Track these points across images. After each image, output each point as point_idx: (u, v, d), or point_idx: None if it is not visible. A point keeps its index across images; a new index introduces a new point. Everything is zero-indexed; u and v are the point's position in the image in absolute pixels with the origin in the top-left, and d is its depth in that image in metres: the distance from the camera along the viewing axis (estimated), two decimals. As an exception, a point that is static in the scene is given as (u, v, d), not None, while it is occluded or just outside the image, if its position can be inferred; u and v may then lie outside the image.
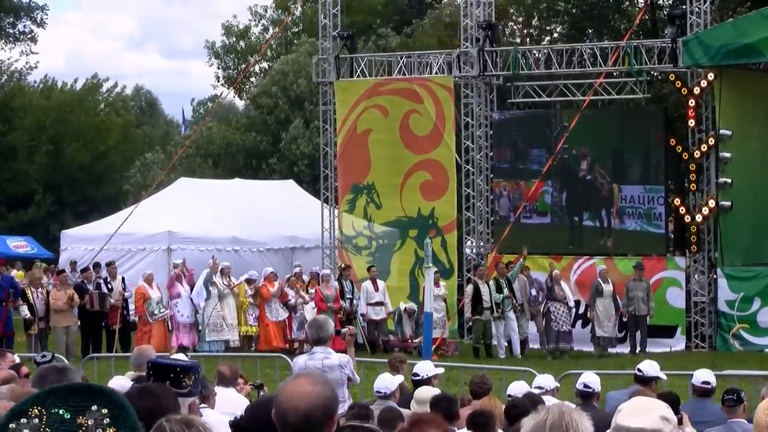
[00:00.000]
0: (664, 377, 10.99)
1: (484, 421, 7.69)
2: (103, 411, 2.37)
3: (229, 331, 22.86)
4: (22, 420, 2.36)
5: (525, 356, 22.55)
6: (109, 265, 23.90)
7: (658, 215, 24.32)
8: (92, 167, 53.70)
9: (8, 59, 55.33)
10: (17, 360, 9.21)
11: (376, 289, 23.91)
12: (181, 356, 10.50)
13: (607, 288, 23.07)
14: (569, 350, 22.82)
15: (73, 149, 52.81)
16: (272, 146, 43.25)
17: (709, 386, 10.08)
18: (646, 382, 10.32)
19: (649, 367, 10.53)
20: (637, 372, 10.60)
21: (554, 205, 25.50)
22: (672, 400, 8.32)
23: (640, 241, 24.65)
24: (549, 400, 8.68)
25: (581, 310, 23.84)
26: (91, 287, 22.95)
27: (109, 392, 2.41)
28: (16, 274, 29.28)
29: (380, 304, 23.89)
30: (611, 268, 23.91)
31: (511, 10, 38.58)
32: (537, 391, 9.98)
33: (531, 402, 8.01)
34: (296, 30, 50.16)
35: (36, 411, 2.37)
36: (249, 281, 23.35)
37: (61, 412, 2.36)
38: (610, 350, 22.93)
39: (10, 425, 2.35)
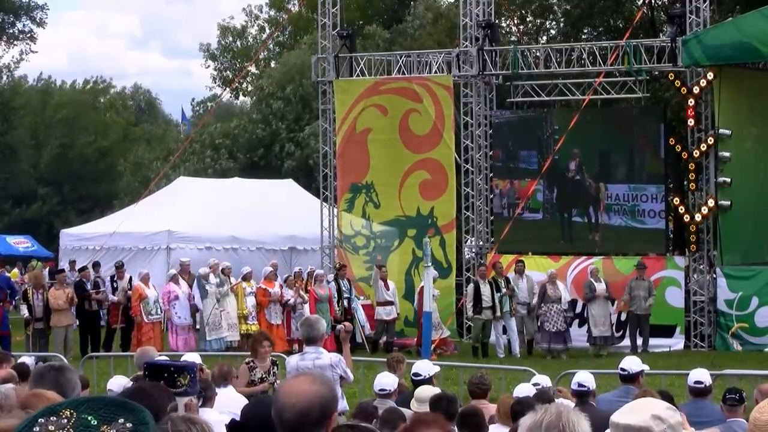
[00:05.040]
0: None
1: (477, 422, 7.63)
2: (127, 425, 2.49)
3: (228, 330, 22.83)
4: (51, 417, 2.48)
5: (531, 356, 22.59)
6: (118, 267, 23.77)
7: (641, 211, 24.39)
8: (95, 165, 53.89)
9: (9, 59, 55.39)
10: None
11: (387, 288, 23.91)
12: (194, 355, 10.50)
13: (600, 287, 23.07)
14: (563, 350, 22.77)
15: (80, 147, 53.00)
16: (287, 142, 43.21)
17: (702, 386, 9.88)
18: (633, 379, 10.11)
19: (632, 364, 10.32)
20: (621, 371, 10.27)
21: (546, 203, 25.64)
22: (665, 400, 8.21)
23: (624, 235, 24.68)
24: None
25: (578, 309, 23.84)
26: (89, 286, 22.94)
27: (139, 410, 2.55)
28: (11, 273, 29.26)
29: (390, 303, 23.87)
30: (610, 267, 23.92)
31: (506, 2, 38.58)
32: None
33: (539, 400, 7.94)
34: (292, 30, 50.10)
35: (67, 413, 2.50)
36: (246, 278, 23.31)
37: (89, 418, 2.49)
38: (611, 349, 22.90)
39: (39, 419, 2.46)
